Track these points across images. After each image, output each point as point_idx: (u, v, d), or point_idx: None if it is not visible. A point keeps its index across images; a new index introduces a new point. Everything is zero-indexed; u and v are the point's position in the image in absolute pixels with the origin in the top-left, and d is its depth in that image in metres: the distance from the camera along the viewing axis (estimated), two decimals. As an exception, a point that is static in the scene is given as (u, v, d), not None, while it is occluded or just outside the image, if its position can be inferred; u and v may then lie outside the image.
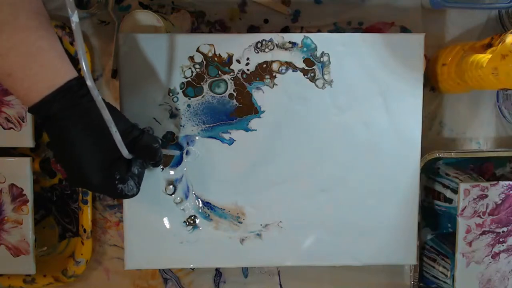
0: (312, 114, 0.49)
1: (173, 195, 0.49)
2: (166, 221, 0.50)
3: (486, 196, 0.50)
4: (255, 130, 0.49)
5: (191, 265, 0.51)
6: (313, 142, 0.49)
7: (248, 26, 0.56)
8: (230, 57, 0.48)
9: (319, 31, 0.56)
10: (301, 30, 0.56)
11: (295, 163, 0.50)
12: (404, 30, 0.57)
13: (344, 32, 0.56)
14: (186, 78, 0.48)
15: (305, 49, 0.48)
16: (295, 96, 0.49)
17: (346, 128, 0.49)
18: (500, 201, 0.50)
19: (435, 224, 0.57)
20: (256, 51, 0.48)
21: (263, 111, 0.49)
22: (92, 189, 0.41)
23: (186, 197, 0.50)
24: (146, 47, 0.48)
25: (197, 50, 0.48)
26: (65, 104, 0.38)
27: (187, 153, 0.49)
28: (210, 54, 0.48)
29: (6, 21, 0.36)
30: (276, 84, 0.49)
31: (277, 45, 0.48)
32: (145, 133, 0.42)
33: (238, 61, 0.48)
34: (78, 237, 0.55)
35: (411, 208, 0.51)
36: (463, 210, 0.49)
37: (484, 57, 0.45)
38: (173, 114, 0.49)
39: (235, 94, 0.49)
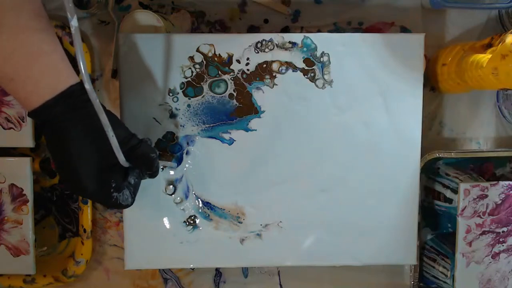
0: (312, 114, 0.49)
1: (173, 195, 0.49)
2: (166, 221, 0.50)
3: (486, 196, 0.50)
4: (255, 130, 0.49)
5: (191, 265, 0.51)
6: (313, 142, 0.49)
7: (248, 26, 0.56)
8: (230, 57, 0.48)
9: (319, 31, 0.56)
10: (301, 30, 0.56)
11: (295, 163, 0.50)
12: (404, 30, 0.57)
13: (344, 32, 0.56)
14: (186, 78, 0.48)
15: (305, 49, 0.48)
16: (295, 96, 0.49)
17: (346, 128, 0.49)
18: (500, 201, 0.50)
19: (435, 224, 0.57)
20: (256, 51, 0.48)
21: (263, 111, 0.49)
22: (87, 195, 0.40)
23: (186, 197, 0.50)
24: (146, 47, 0.48)
25: (197, 50, 0.48)
26: (66, 109, 0.37)
27: (187, 153, 0.49)
28: (210, 54, 0.48)
29: (9, 25, 0.35)
30: (276, 84, 0.49)
31: (277, 45, 0.48)
32: (143, 143, 0.42)
33: (238, 61, 0.48)
34: (78, 237, 0.55)
35: (411, 208, 0.51)
36: (463, 210, 0.49)
37: (484, 57, 0.45)
38: (173, 114, 0.49)
39: (235, 94, 0.49)
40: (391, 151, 0.50)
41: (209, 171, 0.49)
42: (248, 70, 0.48)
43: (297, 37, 0.48)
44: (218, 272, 0.59)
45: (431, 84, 0.57)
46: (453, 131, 0.58)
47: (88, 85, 0.35)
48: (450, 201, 0.52)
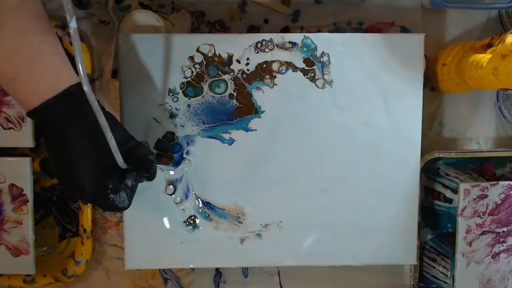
0: (312, 114, 0.49)
1: (173, 195, 0.49)
2: (166, 221, 0.50)
3: (486, 196, 0.50)
4: (255, 130, 0.49)
5: (191, 265, 0.51)
6: (313, 142, 0.49)
7: (248, 26, 0.56)
8: (230, 57, 0.48)
9: (319, 31, 0.56)
10: (301, 30, 0.56)
11: (295, 163, 0.50)
12: (404, 30, 0.57)
13: (344, 32, 0.56)
14: (186, 78, 0.48)
15: (305, 49, 0.48)
16: (295, 96, 0.49)
17: (346, 128, 0.49)
18: (500, 201, 0.50)
19: (435, 224, 0.57)
20: (256, 51, 0.48)
21: (263, 111, 0.49)
22: (83, 196, 0.40)
23: (186, 197, 0.50)
24: (146, 47, 0.48)
25: (197, 50, 0.48)
26: (66, 109, 0.38)
27: (187, 153, 0.49)
28: (210, 54, 0.48)
29: (10, 26, 0.36)
30: (276, 84, 0.49)
31: (277, 45, 0.48)
32: (142, 145, 0.42)
33: (238, 61, 0.48)
34: (78, 237, 0.55)
35: (411, 208, 0.51)
36: (463, 210, 0.49)
37: (484, 57, 0.45)
38: (173, 114, 0.49)
39: (235, 94, 0.49)
40: (391, 151, 0.50)
41: (209, 171, 0.49)
42: (248, 70, 0.48)
43: (297, 37, 0.48)
44: (218, 272, 0.59)
45: (431, 84, 0.57)
46: (453, 131, 0.58)
47: (86, 87, 0.35)
48: (450, 201, 0.52)
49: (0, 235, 0.53)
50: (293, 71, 0.49)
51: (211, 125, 0.49)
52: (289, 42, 0.48)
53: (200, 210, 0.50)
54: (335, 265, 0.52)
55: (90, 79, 0.55)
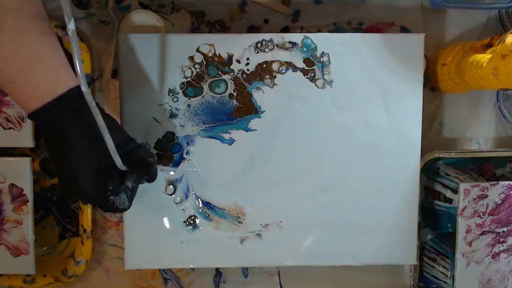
0: (312, 114, 0.49)
1: (173, 195, 0.49)
2: (166, 221, 0.50)
3: (486, 196, 0.50)
4: (255, 130, 0.49)
5: (191, 265, 0.51)
6: (313, 142, 0.49)
7: (248, 26, 0.56)
8: (230, 57, 0.48)
9: (319, 31, 0.56)
10: (301, 30, 0.56)
11: (295, 163, 0.50)
12: (404, 30, 0.57)
13: (344, 32, 0.56)
14: (186, 78, 0.48)
15: (305, 49, 0.48)
16: (295, 96, 0.49)
17: (346, 128, 0.49)
18: (500, 201, 0.50)
19: (435, 224, 0.57)
20: (256, 51, 0.48)
21: (263, 111, 0.49)
22: (83, 197, 0.40)
23: (186, 197, 0.50)
24: (146, 47, 0.48)
25: (197, 50, 0.48)
26: (65, 111, 0.38)
27: (187, 153, 0.49)
28: (210, 54, 0.48)
29: (9, 28, 0.35)
30: (276, 84, 0.49)
31: (277, 45, 0.48)
32: (142, 147, 0.42)
33: (238, 61, 0.48)
34: (78, 237, 0.55)
35: (411, 208, 0.51)
36: (463, 210, 0.49)
37: (484, 57, 0.45)
38: (173, 114, 0.49)
39: (235, 94, 0.49)
40: (391, 151, 0.50)
41: (209, 171, 0.49)
42: (248, 70, 0.48)
43: (297, 37, 0.48)
44: (218, 272, 0.59)
45: (431, 84, 0.57)
46: (453, 131, 0.58)
47: (84, 88, 0.35)
48: (450, 201, 0.52)
49: (0, 235, 0.53)
50: (293, 71, 0.49)
51: (211, 125, 0.49)
52: (289, 42, 0.48)
53: (200, 210, 0.50)
54: (335, 265, 0.52)
55: (90, 79, 0.55)
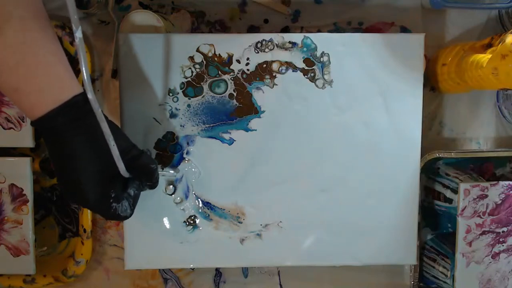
0: (312, 114, 0.49)
1: (173, 195, 0.49)
2: (166, 221, 0.50)
3: (486, 196, 0.50)
4: (255, 130, 0.49)
5: (191, 265, 0.51)
6: (313, 142, 0.49)
7: (248, 26, 0.56)
8: (230, 57, 0.48)
9: (319, 31, 0.56)
10: (301, 30, 0.56)
11: (295, 163, 0.50)
12: (404, 30, 0.57)
13: (344, 32, 0.56)
14: (186, 78, 0.48)
15: (305, 49, 0.48)
16: (295, 96, 0.49)
17: (346, 128, 0.49)
18: (500, 201, 0.50)
19: (435, 224, 0.57)
20: (256, 51, 0.48)
21: (263, 111, 0.49)
22: (86, 204, 0.40)
23: (186, 197, 0.50)
24: (146, 47, 0.48)
25: (197, 50, 0.48)
26: (69, 118, 0.38)
27: (187, 153, 0.49)
28: (210, 54, 0.48)
29: (16, 36, 0.35)
30: (276, 84, 0.49)
31: (277, 45, 0.48)
32: (144, 154, 0.42)
33: (238, 61, 0.48)
34: (78, 237, 0.55)
35: (411, 208, 0.51)
36: (463, 210, 0.49)
37: (484, 57, 0.45)
38: (173, 114, 0.49)
39: (235, 94, 0.49)
40: (391, 151, 0.50)
41: (209, 171, 0.49)
42: (248, 70, 0.48)
43: (297, 37, 0.48)
44: (218, 272, 0.59)
45: (431, 84, 0.57)
46: (453, 131, 0.58)
47: (90, 95, 0.35)
48: (450, 201, 0.52)
49: (0, 235, 0.53)
50: (293, 71, 0.49)
51: (211, 125, 0.49)
52: (289, 42, 0.48)
53: (200, 210, 0.50)
54: (335, 265, 0.52)
55: (91, 79, 0.55)
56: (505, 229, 0.51)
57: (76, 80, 0.39)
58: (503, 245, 0.51)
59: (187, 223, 0.50)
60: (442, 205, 0.54)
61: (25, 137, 0.51)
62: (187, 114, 0.49)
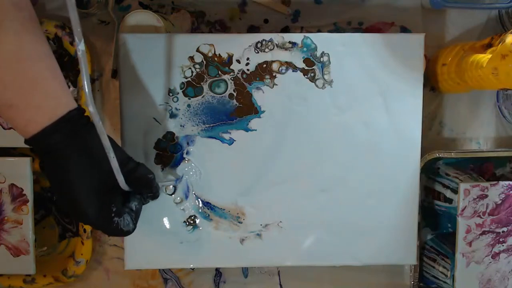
0: (312, 114, 0.49)
1: (173, 195, 0.49)
2: (166, 221, 0.50)
3: (486, 196, 0.50)
4: (255, 130, 0.49)
5: (191, 265, 0.51)
6: (313, 142, 0.49)
7: (248, 26, 0.56)
8: (230, 57, 0.48)
9: (319, 31, 0.56)
10: (301, 30, 0.56)
11: (295, 163, 0.50)
12: (404, 30, 0.57)
13: (344, 32, 0.56)
14: (186, 78, 0.48)
15: (305, 49, 0.48)
16: (295, 96, 0.49)
17: (346, 128, 0.49)
18: (500, 201, 0.50)
19: (435, 224, 0.57)
20: (256, 51, 0.48)
21: (263, 111, 0.49)
22: (87, 220, 0.40)
23: (186, 197, 0.50)
24: (146, 47, 0.48)
25: (197, 50, 0.48)
26: (65, 134, 0.37)
27: (187, 153, 0.49)
28: (210, 54, 0.48)
29: (11, 51, 0.35)
30: (276, 84, 0.49)
31: (277, 45, 0.48)
32: (140, 165, 0.42)
33: (238, 61, 0.48)
34: (78, 237, 0.55)
35: (411, 208, 0.51)
36: (463, 210, 0.49)
37: (484, 57, 0.45)
38: (173, 114, 0.49)
39: (235, 94, 0.49)
40: (391, 151, 0.50)
41: (209, 171, 0.49)
42: (248, 70, 0.48)
43: (297, 37, 0.48)
44: (218, 272, 0.59)
45: (431, 84, 0.57)
46: (453, 131, 0.58)
47: (92, 108, 0.35)
48: (450, 201, 0.52)
49: (0, 235, 0.53)
50: (293, 71, 0.49)
51: (211, 125, 0.49)
52: (289, 42, 0.48)
53: (200, 210, 0.50)
54: (335, 265, 0.52)
55: (90, 79, 0.55)
56: (505, 229, 0.51)
57: (70, 95, 0.39)
58: (503, 245, 0.51)
59: (187, 223, 0.50)
60: (442, 205, 0.54)
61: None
62: (187, 114, 0.49)
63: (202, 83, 0.48)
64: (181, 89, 0.48)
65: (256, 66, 0.48)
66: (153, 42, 0.48)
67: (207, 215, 0.50)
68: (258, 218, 0.50)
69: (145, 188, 0.43)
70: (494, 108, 0.58)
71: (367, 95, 0.49)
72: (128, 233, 0.41)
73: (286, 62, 0.48)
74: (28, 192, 0.52)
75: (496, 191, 0.50)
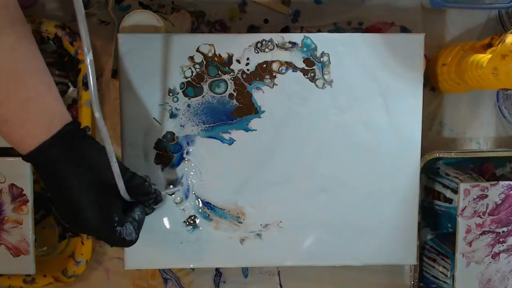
0: (312, 114, 0.49)
1: (173, 195, 0.49)
2: (166, 221, 0.50)
3: (486, 196, 0.50)
4: (255, 130, 0.49)
5: (191, 265, 0.51)
6: (313, 142, 0.49)
7: (248, 26, 0.56)
8: (230, 57, 0.48)
9: (319, 31, 0.56)
10: (301, 30, 0.56)
11: (295, 163, 0.50)
12: (404, 30, 0.57)
13: (344, 32, 0.56)
14: (186, 78, 0.48)
15: (305, 49, 0.48)
16: (295, 96, 0.49)
17: (346, 128, 0.49)
18: (500, 201, 0.50)
19: (435, 224, 0.57)
20: (256, 51, 0.48)
21: (263, 111, 0.49)
22: (90, 232, 0.40)
23: (186, 197, 0.50)
24: (146, 47, 0.48)
25: (197, 50, 0.48)
26: (62, 148, 0.37)
27: (187, 153, 0.49)
28: (210, 54, 0.48)
29: (5, 67, 0.35)
30: (276, 84, 0.49)
31: (277, 45, 0.48)
32: (136, 175, 0.42)
33: (238, 61, 0.48)
34: (78, 237, 0.55)
35: (411, 208, 0.51)
36: (463, 210, 0.49)
37: (484, 57, 0.45)
38: (173, 114, 0.49)
39: (235, 94, 0.49)
40: (391, 151, 0.50)
41: (209, 171, 0.49)
42: (248, 70, 0.48)
43: (297, 37, 0.48)
44: (218, 272, 0.59)
45: (431, 84, 0.57)
46: (453, 131, 0.58)
47: (97, 114, 0.35)
48: (450, 201, 0.52)
49: (0, 235, 0.53)
50: (293, 71, 0.49)
51: (211, 125, 0.49)
52: (289, 42, 0.48)
53: (200, 210, 0.50)
54: (335, 265, 0.52)
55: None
56: (505, 229, 0.51)
57: (65, 108, 0.39)
58: (503, 245, 0.51)
59: (187, 223, 0.50)
60: (442, 205, 0.54)
61: (25, 137, 0.51)
62: (187, 114, 0.49)
63: (202, 83, 0.48)
64: (181, 89, 0.48)
65: (256, 66, 0.48)
66: (153, 42, 0.48)
67: (207, 215, 0.50)
68: (258, 218, 0.50)
69: (143, 194, 0.43)
70: (494, 108, 0.58)
71: (367, 95, 0.49)
72: (131, 242, 0.41)
73: (286, 62, 0.48)
74: (28, 192, 0.52)
75: (496, 191, 0.50)
